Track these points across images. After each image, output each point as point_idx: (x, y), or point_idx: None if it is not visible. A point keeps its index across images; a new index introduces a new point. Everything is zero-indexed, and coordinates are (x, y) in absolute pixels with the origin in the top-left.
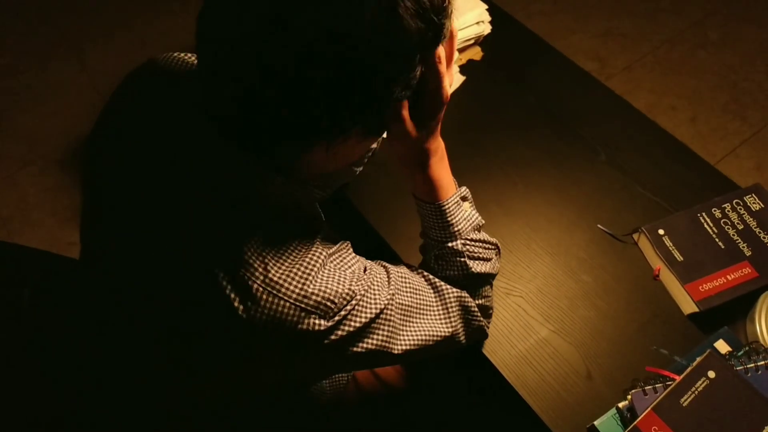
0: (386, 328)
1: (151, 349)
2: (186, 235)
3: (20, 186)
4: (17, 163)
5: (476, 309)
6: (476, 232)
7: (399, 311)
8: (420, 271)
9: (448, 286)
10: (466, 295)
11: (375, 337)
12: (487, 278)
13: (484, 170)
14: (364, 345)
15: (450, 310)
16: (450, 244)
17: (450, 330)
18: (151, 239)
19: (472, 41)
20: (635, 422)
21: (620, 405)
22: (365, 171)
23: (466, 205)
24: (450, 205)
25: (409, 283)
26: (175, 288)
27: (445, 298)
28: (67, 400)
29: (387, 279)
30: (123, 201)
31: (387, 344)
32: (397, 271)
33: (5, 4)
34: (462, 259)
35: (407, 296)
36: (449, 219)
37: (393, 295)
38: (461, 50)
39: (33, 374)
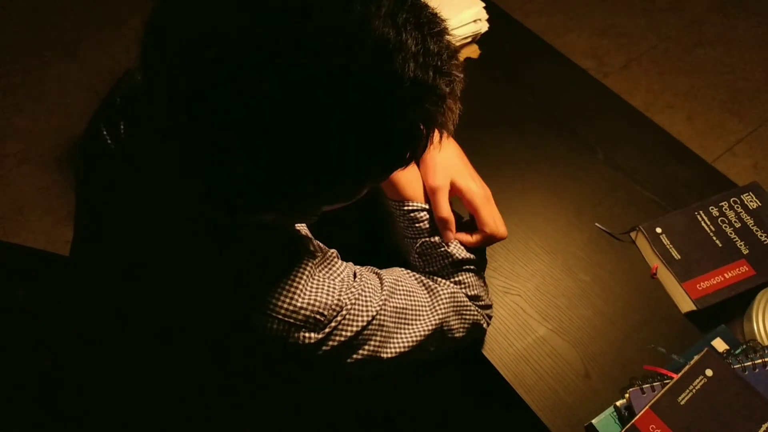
0: (379, 334)
1: (140, 356)
2: (168, 256)
3: (16, 185)
4: (13, 161)
5: (468, 301)
6: None
7: (393, 315)
8: (413, 273)
9: (441, 281)
10: (458, 289)
11: (369, 344)
12: (474, 263)
13: (481, 169)
14: (358, 353)
15: (439, 301)
16: (426, 239)
17: (438, 319)
18: (135, 260)
19: (469, 39)
20: (633, 420)
21: (618, 403)
22: None
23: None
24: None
25: (402, 285)
26: (161, 312)
27: (435, 292)
28: (62, 399)
29: (379, 284)
30: (107, 212)
31: (380, 350)
32: (390, 275)
33: (1, 2)
34: (442, 249)
35: (401, 299)
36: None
37: (385, 300)
38: (458, 48)
39: (29, 373)
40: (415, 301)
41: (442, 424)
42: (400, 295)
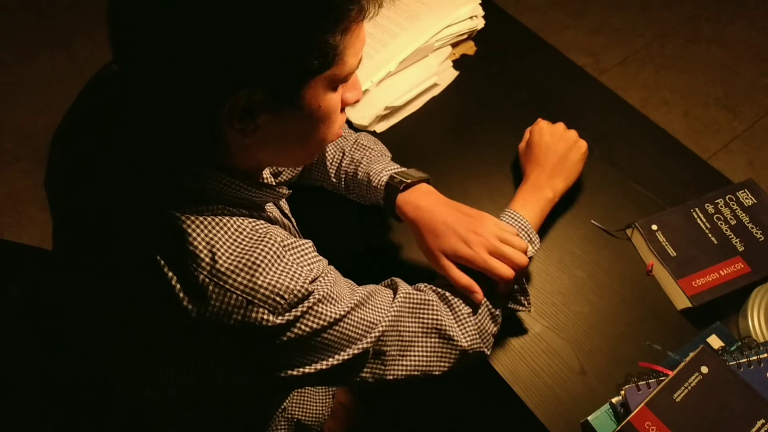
0: (340, 339)
1: (116, 342)
2: (131, 225)
3: (10, 181)
4: (7, 158)
5: (432, 303)
6: None
7: (359, 326)
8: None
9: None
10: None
11: (329, 346)
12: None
13: (477, 165)
14: (316, 355)
15: (407, 310)
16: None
17: (381, 327)
18: (100, 231)
19: (465, 36)
20: (628, 417)
21: (614, 400)
22: None
23: None
24: None
25: (374, 300)
26: (124, 282)
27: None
28: (57, 396)
29: (350, 288)
30: (74, 190)
31: (336, 356)
32: (364, 288)
33: None
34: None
35: (369, 312)
36: None
37: (351, 308)
38: (454, 45)
39: (25, 371)
40: (378, 314)
41: (438, 421)
42: (369, 308)
